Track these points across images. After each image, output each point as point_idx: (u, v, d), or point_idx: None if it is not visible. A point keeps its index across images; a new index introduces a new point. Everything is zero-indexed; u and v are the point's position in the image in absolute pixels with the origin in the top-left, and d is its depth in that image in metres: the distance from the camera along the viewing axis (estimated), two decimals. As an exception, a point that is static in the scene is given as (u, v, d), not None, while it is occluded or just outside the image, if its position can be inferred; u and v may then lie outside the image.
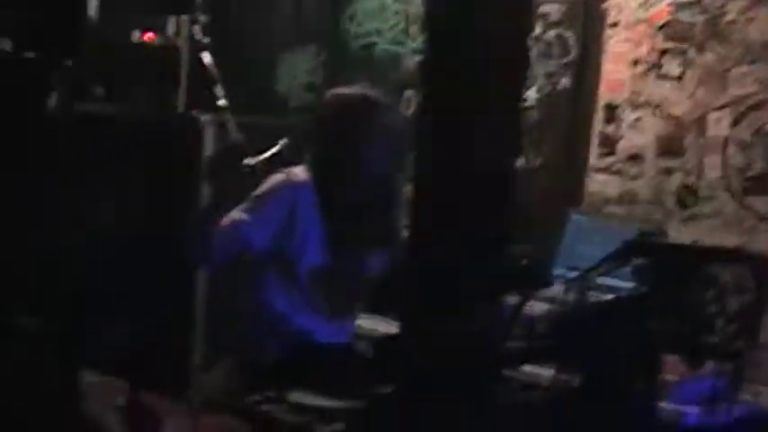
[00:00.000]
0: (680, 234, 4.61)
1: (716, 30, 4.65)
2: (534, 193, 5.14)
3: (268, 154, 3.63)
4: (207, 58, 3.77)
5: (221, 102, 3.68)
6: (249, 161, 3.55)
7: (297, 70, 6.08)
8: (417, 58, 5.60)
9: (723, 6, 4.63)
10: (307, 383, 3.38)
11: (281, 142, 3.67)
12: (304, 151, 3.74)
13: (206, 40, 3.79)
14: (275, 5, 6.14)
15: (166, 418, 3.49)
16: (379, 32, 5.79)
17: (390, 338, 3.01)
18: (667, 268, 3.35)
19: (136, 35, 5.91)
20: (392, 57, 5.74)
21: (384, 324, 4.14)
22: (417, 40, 5.60)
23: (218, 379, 4.52)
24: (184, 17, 5.93)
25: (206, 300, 5.09)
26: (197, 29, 3.86)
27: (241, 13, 6.17)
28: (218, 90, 3.69)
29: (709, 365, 3.46)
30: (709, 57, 4.67)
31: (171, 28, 5.99)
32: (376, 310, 4.22)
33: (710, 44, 4.67)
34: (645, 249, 3.54)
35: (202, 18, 3.94)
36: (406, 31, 5.67)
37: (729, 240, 4.51)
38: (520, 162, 5.23)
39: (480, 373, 2.16)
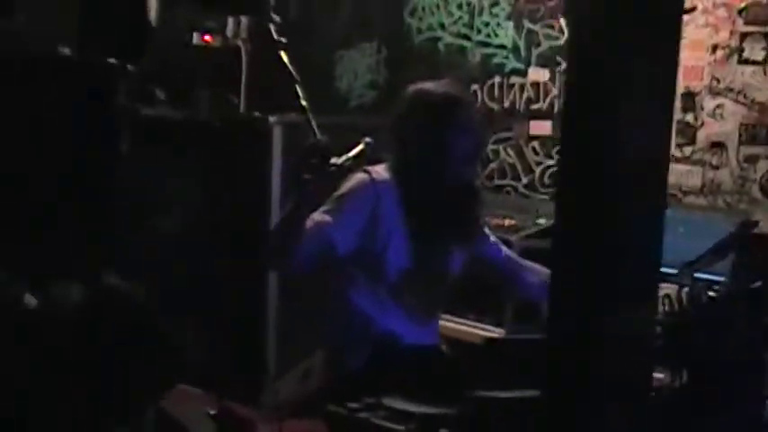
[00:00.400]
0: (766, 224, 4.50)
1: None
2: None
3: (353, 153, 3.52)
4: (285, 57, 3.68)
5: (303, 102, 3.58)
6: (335, 160, 3.45)
7: (357, 67, 6.02)
8: (482, 50, 5.57)
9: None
10: (398, 388, 3.28)
11: (365, 141, 3.57)
12: (386, 149, 3.64)
13: (284, 39, 3.69)
14: (334, 2, 6.07)
15: (256, 424, 3.38)
16: (442, 26, 5.73)
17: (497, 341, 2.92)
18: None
19: (196, 37, 5.87)
20: (457, 50, 5.67)
21: (466, 325, 4.09)
22: (483, 32, 5.55)
23: (293, 384, 4.46)
24: (243, 18, 5.91)
25: (279, 305, 5.05)
26: (273, 29, 3.76)
27: (301, 10, 6.11)
28: (300, 90, 3.59)
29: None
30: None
31: (230, 29, 5.96)
32: (458, 310, 4.16)
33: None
34: (750, 241, 3.42)
35: (277, 18, 3.84)
36: (470, 25, 5.60)
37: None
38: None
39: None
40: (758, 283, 3.06)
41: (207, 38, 5.88)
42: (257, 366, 5.03)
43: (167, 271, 4.77)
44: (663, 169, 2.04)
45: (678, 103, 4.86)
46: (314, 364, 4.21)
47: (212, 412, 3.27)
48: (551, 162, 5.28)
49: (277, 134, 5.05)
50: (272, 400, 4.60)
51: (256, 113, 5.27)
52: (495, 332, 4.18)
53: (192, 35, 5.84)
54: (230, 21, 5.96)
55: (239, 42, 5.89)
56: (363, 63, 6.02)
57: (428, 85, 3.71)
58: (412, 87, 3.74)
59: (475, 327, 4.25)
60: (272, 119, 5.07)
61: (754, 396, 3.07)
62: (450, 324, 4.14)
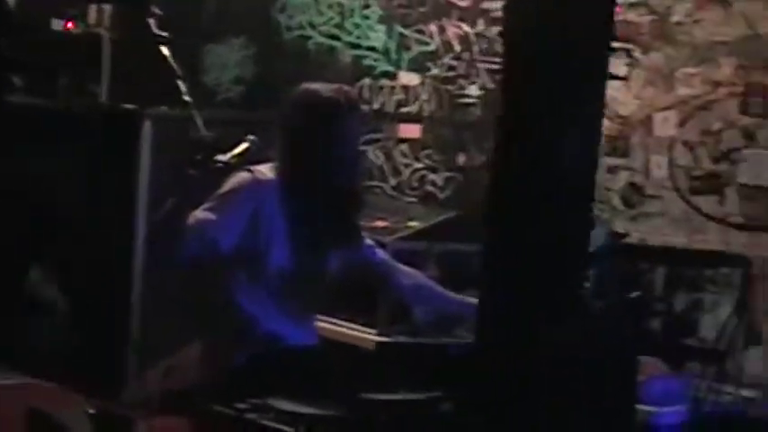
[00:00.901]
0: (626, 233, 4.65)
1: (663, 31, 4.68)
2: (477, 191, 5.14)
3: (237, 150, 3.50)
4: (166, 51, 3.64)
5: (186, 97, 3.55)
6: (221, 157, 3.43)
7: (225, 62, 5.98)
8: (353, 51, 5.60)
9: (670, 8, 4.67)
10: (281, 388, 3.30)
11: (249, 138, 3.56)
12: (270, 147, 3.64)
13: (164, 33, 3.66)
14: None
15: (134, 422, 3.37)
16: (312, 25, 5.74)
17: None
18: (648, 272, 3.36)
19: (57, 24, 5.75)
20: (327, 50, 5.69)
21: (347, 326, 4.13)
22: (354, 34, 5.58)
23: (154, 381, 4.41)
24: (106, 6, 5.81)
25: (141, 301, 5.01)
26: (153, 22, 3.72)
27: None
28: (182, 85, 3.56)
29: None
30: (655, 57, 4.71)
31: (93, 17, 5.85)
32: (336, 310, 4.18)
33: (657, 45, 4.70)
34: (623, 253, 3.53)
35: (158, 11, 3.80)
36: (341, 26, 5.63)
37: (676, 239, 4.56)
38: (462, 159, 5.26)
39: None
40: (636, 293, 3.17)
41: (69, 24, 5.76)
42: (119, 363, 4.96)
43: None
44: (590, 182, 2.10)
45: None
46: (179, 361, 4.18)
47: (91, 411, 3.25)
48: (419, 165, 5.35)
49: (147, 127, 4.98)
50: (133, 397, 4.54)
51: (124, 105, 5.20)
52: (369, 334, 4.19)
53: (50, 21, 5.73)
54: (92, 8, 5.85)
55: (101, 30, 5.79)
56: (231, 58, 5.99)
57: (316, 86, 3.73)
58: (301, 87, 3.74)
59: (348, 328, 4.25)
60: (142, 111, 5.00)
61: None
62: (324, 325, 4.13)
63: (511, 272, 2.03)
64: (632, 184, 4.74)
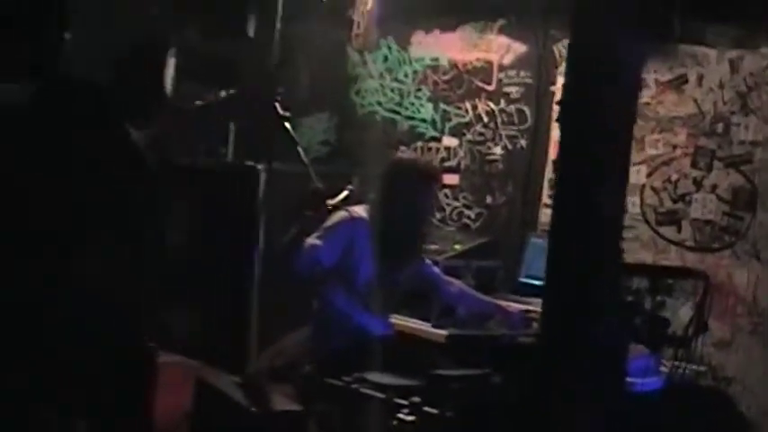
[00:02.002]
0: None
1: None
2: (502, 223, 5.20)
3: (341, 197, 3.60)
4: (289, 126, 3.74)
5: (304, 159, 3.65)
6: (330, 202, 3.53)
7: (315, 130, 6.06)
8: (409, 122, 5.67)
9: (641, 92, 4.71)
10: (372, 366, 3.35)
11: (348, 188, 3.66)
12: (367, 195, 3.73)
13: (287, 113, 3.75)
14: (297, 81, 6.11)
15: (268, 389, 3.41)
16: (379, 104, 5.81)
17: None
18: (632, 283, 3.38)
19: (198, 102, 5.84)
20: (390, 122, 5.76)
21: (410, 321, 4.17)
22: (409, 109, 5.65)
23: (267, 359, 4.47)
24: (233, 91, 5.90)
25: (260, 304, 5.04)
26: (278, 105, 3.81)
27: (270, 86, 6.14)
28: (301, 150, 3.65)
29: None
30: (630, 126, 4.75)
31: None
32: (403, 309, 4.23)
33: (632, 117, 4.74)
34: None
35: (282, 92, 3.89)
36: (400, 104, 5.70)
37: (647, 258, 4.59)
38: (489, 199, 5.31)
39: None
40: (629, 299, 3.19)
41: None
42: (243, 344, 5.00)
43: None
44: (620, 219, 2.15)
45: (550, 167, 5.04)
46: (288, 343, 4.25)
47: (238, 381, 3.30)
48: (458, 203, 5.40)
49: (263, 178, 5.04)
50: (257, 370, 4.59)
51: (246, 162, 5.27)
52: (424, 326, 4.23)
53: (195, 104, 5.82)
54: (223, 93, 5.95)
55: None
56: (319, 127, 6.06)
57: (406, 156, 3.84)
58: (395, 157, 3.84)
59: (407, 321, 4.28)
60: (259, 166, 5.07)
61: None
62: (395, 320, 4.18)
63: (563, 281, 2.08)
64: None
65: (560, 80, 4.96)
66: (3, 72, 3.83)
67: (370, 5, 5.52)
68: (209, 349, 4.54)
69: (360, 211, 3.74)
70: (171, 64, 5.68)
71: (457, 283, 4.13)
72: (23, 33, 5.23)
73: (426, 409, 2.87)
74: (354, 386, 3.12)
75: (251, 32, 6.04)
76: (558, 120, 2.35)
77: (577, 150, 2.08)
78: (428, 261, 4.09)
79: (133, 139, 2.78)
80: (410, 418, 2.84)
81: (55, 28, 5.62)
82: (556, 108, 4.99)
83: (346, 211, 3.71)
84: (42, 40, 5.33)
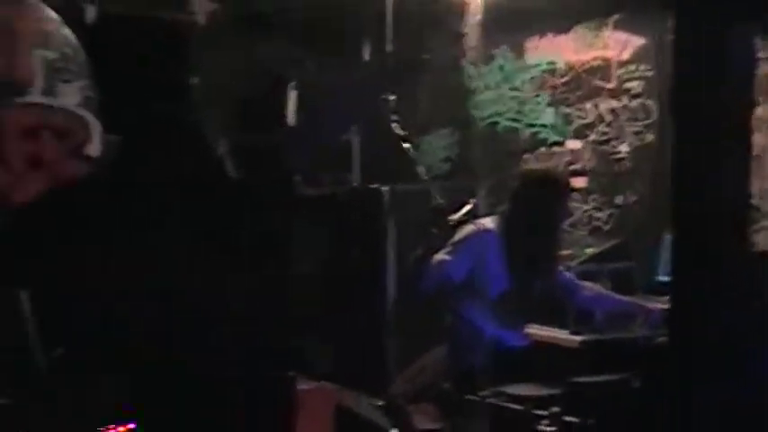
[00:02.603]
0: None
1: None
2: (633, 222, 5.07)
3: (464, 211, 3.60)
4: (407, 146, 3.77)
5: (423, 176, 3.67)
6: (453, 217, 3.54)
7: (436, 148, 6.08)
8: (530, 129, 5.62)
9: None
10: (508, 378, 3.32)
11: (471, 202, 3.65)
12: (496, 207, 3.70)
13: (404, 133, 3.78)
14: (417, 102, 6.15)
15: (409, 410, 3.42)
16: (499, 114, 5.78)
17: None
18: None
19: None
20: (511, 130, 5.72)
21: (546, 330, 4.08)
22: (530, 116, 5.59)
23: (411, 377, 4.48)
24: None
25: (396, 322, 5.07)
26: (395, 126, 3.85)
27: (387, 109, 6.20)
28: (421, 169, 3.68)
29: None
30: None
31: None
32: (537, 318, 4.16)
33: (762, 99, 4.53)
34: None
35: (395, 118, 3.93)
36: (520, 111, 5.65)
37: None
38: (619, 199, 5.18)
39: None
40: None
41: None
42: (381, 366, 5.04)
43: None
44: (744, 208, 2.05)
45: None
46: (427, 362, 4.25)
47: (380, 404, 3.31)
48: (587, 206, 5.30)
49: (387, 199, 5.08)
50: (395, 391, 4.62)
51: (371, 186, 5.34)
52: (561, 334, 4.15)
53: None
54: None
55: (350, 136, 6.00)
56: (440, 144, 6.07)
57: (538, 167, 3.82)
58: (525, 168, 3.82)
59: (544, 330, 4.21)
60: (383, 188, 5.12)
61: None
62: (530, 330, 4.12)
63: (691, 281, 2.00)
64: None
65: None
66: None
67: (479, 17, 5.51)
68: (347, 373, 4.59)
69: (487, 223, 3.71)
70: (291, 97, 5.86)
71: (592, 287, 4.04)
72: (156, 84, 5.53)
73: (566, 418, 2.82)
74: (493, 400, 3.09)
75: (366, 56, 6.15)
76: (672, 110, 2.27)
77: (694, 139, 2.00)
78: (560, 267, 4.01)
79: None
80: (550, 429, 2.80)
81: (185, 75, 5.91)
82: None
83: (474, 224, 3.70)
84: (172, 87, 5.62)
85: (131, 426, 1.85)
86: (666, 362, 2.41)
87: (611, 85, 5.20)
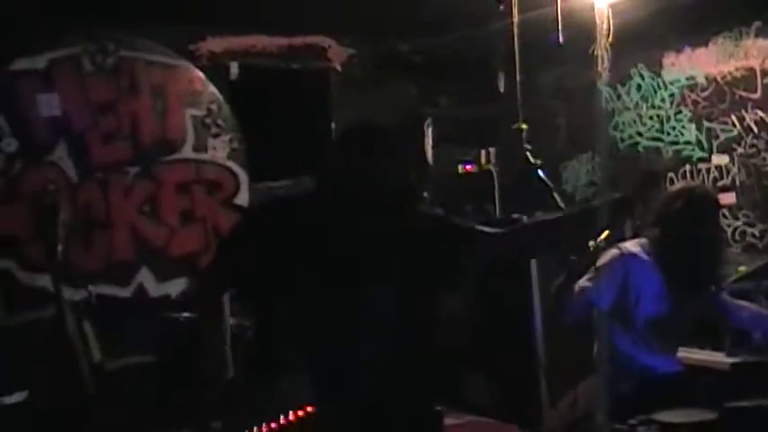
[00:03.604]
0: None
1: None
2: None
3: (602, 236, 3.54)
4: (541, 173, 3.77)
5: (559, 202, 3.65)
6: (592, 243, 3.48)
7: (579, 172, 6.02)
8: (673, 147, 5.47)
9: None
10: (660, 406, 3.22)
11: (606, 232, 3.59)
12: (645, 229, 3.63)
13: (539, 161, 3.78)
14: (557, 129, 6.13)
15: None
16: (639, 134, 5.67)
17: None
18: None
19: (460, 167, 6.05)
20: (653, 150, 5.59)
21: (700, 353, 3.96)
22: (671, 134, 5.46)
23: (565, 409, 4.41)
24: (491, 149, 6.04)
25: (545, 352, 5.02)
26: (529, 155, 3.85)
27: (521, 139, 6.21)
28: (557, 196, 3.66)
29: None
30: None
31: (483, 158, 6.11)
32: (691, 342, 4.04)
33: None
34: None
35: (528, 146, 3.93)
36: (661, 130, 5.52)
37: None
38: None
39: None
40: None
41: (468, 167, 6.05)
42: (536, 398, 4.99)
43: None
44: None
45: None
46: (579, 393, 4.18)
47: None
48: (738, 223, 5.10)
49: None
50: (551, 424, 4.56)
51: (512, 216, 5.34)
52: (715, 356, 4.01)
53: (457, 166, 6.03)
54: (482, 152, 6.11)
55: (490, 167, 6.03)
56: (582, 169, 6.01)
57: (689, 185, 3.72)
58: (677, 187, 3.72)
59: (696, 353, 4.08)
60: (523, 218, 5.10)
61: None
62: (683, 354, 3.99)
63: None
64: None
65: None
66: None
67: (611, 38, 5.44)
68: (500, 407, 4.57)
69: (631, 247, 3.63)
70: (429, 132, 5.96)
71: (749, 307, 3.87)
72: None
73: (721, 445, 2.72)
74: (642, 429, 3.01)
75: (501, 87, 6.19)
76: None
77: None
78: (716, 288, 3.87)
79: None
80: (704, 456, 2.70)
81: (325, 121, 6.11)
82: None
83: (617, 248, 3.61)
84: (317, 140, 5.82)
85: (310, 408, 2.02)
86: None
87: (756, 96, 5.02)
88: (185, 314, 4.65)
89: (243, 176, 5.49)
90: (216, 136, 5.41)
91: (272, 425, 1.94)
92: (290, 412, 1.96)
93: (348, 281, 2.49)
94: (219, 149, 5.46)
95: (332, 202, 2.58)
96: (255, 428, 1.95)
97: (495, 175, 5.92)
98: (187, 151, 5.41)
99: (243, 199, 5.50)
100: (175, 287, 5.28)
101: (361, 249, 2.53)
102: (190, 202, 5.43)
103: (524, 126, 4.12)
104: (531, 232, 3.03)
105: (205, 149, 5.41)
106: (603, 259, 3.58)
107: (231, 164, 5.48)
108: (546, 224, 3.07)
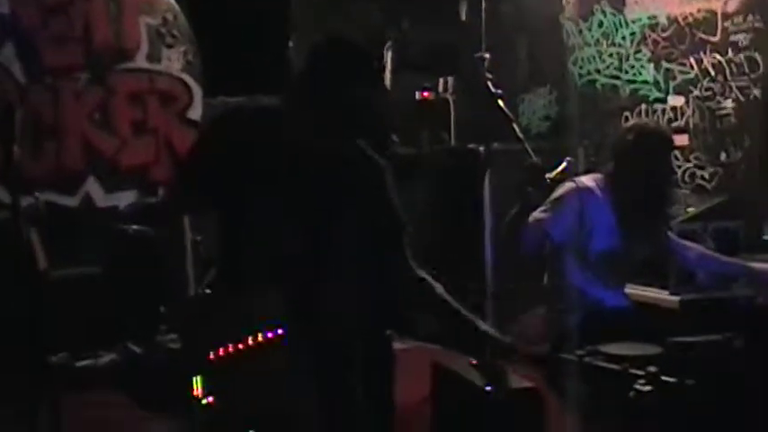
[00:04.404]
0: None
1: None
2: (738, 179, 4.92)
3: (559, 169, 3.54)
4: (501, 104, 3.72)
5: (520, 135, 3.62)
6: (549, 176, 3.49)
7: (536, 106, 6.02)
8: (631, 86, 5.49)
9: None
10: (608, 338, 3.28)
11: (567, 160, 3.59)
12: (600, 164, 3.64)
13: (500, 91, 3.73)
14: (515, 60, 6.10)
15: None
16: (598, 71, 5.66)
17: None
18: None
19: (417, 94, 6.00)
20: (611, 88, 5.60)
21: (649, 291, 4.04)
22: (630, 73, 5.47)
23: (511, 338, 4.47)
24: (449, 78, 6.00)
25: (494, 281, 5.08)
26: (490, 84, 3.79)
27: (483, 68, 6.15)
28: (516, 127, 3.63)
29: None
30: None
31: (441, 87, 6.07)
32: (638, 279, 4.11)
33: None
34: None
35: (490, 76, 3.87)
36: (620, 68, 5.52)
37: None
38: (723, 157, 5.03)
39: None
40: None
41: (425, 94, 6.01)
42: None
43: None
44: None
45: None
46: (526, 322, 4.23)
47: (473, 362, 3.31)
48: (689, 164, 5.17)
49: (485, 158, 5.06)
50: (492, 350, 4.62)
51: (468, 145, 5.34)
52: (660, 294, 4.09)
53: (414, 93, 5.98)
54: (440, 81, 6.07)
55: (448, 95, 5.99)
56: (539, 103, 6.01)
57: (643, 122, 3.75)
58: (629, 124, 3.75)
59: (643, 290, 4.15)
60: (480, 148, 5.11)
61: None
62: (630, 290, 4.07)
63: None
64: None
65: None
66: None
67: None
68: (445, 334, 4.62)
69: (587, 181, 3.65)
70: (388, 57, 5.88)
71: (695, 248, 3.94)
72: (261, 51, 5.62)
73: (664, 378, 2.78)
74: (589, 359, 3.06)
75: (463, 15, 6.11)
76: None
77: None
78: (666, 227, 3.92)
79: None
80: (647, 388, 2.76)
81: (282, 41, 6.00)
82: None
83: (573, 181, 3.62)
84: (274, 58, 5.71)
85: (280, 331, 2.01)
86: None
87: (715, 39, 5.03)
88: (135, 226, 4.59)
89: (197, 90, 5.36)
90: (170, 47, 5.26)
91: (238, 345, 1.91)
92: (256, 333, 1.94)
93: (304, 204, 2.46)
94: (174, 61, 5.31)
95: (301, 123, 2.53)
96: (220, 347, 1.91)
97: (452, 103, 5.88)
98: (141, 61, 5.25)
99: (196, 113, 5.38)
100: (124, 199, 5.18)
101: (321, 173, 2.49)
102: (142, 112, 5.29)
103: (487, 55, 4.05)
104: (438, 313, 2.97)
105: (159, 60, 5.26)
106: (559, 192, 3.60)
107: (186, 76, 5.34)
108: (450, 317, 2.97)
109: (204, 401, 1.89)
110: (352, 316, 2.54)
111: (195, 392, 1.87)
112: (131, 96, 5.27)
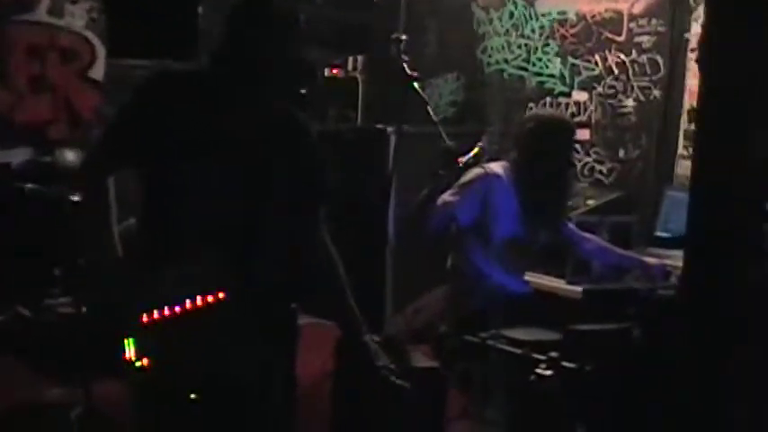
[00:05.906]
0: None
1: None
2: (635, 176, 5.07)
3: (471, 154, 3.57)
4: (417, 86, 3.71)
5: (434, 118, 3.63)
6: (461, 159, 3.51)
7: (442, 91, 6.04)
8: (537, 78, 5.57)
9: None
10: (509, 322, 3.33)
11: (479, 145, 3.63)
12: (502, 152, 3.69)
13: (415, 73, 3.71)
14: (425, 44, 6.09)
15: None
16: (506, 61, 5.72)
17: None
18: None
19: (326, 71, 5.93)
20: (518, 78, 5.67)
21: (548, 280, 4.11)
22: (537, 65, 5.54)
23: (407, 318, 4.50)
24: (359, 57, 5.95)
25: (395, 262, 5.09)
26: (406, 66, 3.78)
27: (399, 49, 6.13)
28: (430, 109, 3.63)
29: None
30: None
31: (350, 65, 6.01)
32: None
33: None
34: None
35: (406, 57, 3.85)
36: (528, 60, 5.59)
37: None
38: (621, 153, 5.17)
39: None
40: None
41: (334, 71, 5.94)
42: (380, 305, 5.06)
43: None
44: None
45: (685, 116, 4.85)
46: (426, 302, 4.26)
47: (378, 340, 3.31)
48: (589, 159, 5.29)
49: (392, 140, 5.04)
50: (390, 330, 4.63)
51: (376, 125, 5.31)
52: (559, 283, 4.16)
53: (323, 69, 5.90)
54: (350, 59, 6.01)
55: (357, 74, 5.94)
56: (446, 88, 6.03)
57: (543, 112, 3.80)
58: (531, 113, 3.80)
59: (542, 278, 4.22)
60: (388, 129, 5.09)
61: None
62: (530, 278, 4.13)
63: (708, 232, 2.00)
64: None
65: (695, 27, 4.77)
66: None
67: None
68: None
69: (495, 167, 3.70)
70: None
71: (592, 239, 4.05)
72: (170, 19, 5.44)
73: (564, 363, 2.84)
74: (492, 342, 3.11)
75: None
76: (697, 61, 2.24)
77: (720, 94, 1.97)
78: (566, 217, 4.01)
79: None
80: (548, 372, 2.82)
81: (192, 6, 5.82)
82: (690, 56, 4.82)
83: (482, 167, 3.68)
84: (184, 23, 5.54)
85: (221, 295, 1.96)
86: (668, 313, 2.42)
87: (621, 38, 5.16)
88: (30, 185, 4.39)
89: (100, 49, 5.17)
90: (74, 2, 5.05)
91: (165, 311, 1.85)
92: (187, 300, 1.88)
93: (232, 168, 2.39)
94: (77, 17, 5.11)
95: (227, 85, 2.46)
96: (145, 315, 1.84)
97: (360, 82, 5.84)
98: (41, 14, 5.02)
99: (99, 73, 5.19)
100: (18, 155, 4.95)
101: (249, 135, 2.43)
102: (41, 68, 5.07)
103: (404, 37, 4.03)
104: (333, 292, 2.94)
105: (61, 15, 5.05)
106: (467, 177, 3.64)
107: (89, 34, 5.15)
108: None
109: (138, 364, 1.83)
110: (270, 282, 2.49)
111: (128, 355, 1.81)
112: (30, 50, 5.04)
